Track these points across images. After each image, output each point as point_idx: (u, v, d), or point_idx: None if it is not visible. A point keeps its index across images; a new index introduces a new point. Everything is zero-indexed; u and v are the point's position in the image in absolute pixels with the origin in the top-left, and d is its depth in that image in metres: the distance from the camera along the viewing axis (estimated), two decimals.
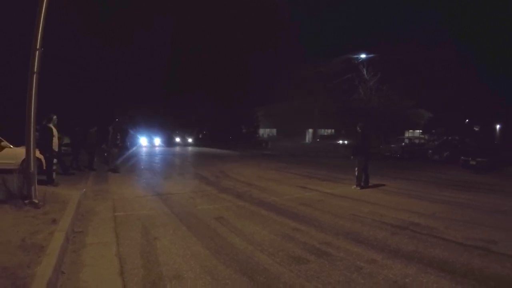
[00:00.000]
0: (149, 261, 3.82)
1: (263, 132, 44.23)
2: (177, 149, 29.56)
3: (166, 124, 35.02)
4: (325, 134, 42.33)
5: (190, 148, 31.23)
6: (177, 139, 36.10)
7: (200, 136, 40.40)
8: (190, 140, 37.27)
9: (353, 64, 30.16)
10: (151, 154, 22.51)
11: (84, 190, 7.85)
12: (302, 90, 33.15)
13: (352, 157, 9.86)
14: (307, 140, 40.86)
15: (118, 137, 12.45)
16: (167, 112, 35.20)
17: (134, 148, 23.70)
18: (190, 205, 6.95)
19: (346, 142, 32.80)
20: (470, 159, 15.77)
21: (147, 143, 31.50)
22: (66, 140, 13.08)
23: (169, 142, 33.52)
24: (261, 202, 7.43)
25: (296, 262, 3.89)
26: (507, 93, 33.52)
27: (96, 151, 12.69)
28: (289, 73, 34.11)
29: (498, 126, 34.33)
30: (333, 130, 41.36)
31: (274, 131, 44.64)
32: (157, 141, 32.78)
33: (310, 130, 41.59)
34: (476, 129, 33.21)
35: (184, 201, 7.34)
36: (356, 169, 9.65)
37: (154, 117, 32.96)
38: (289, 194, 8.58)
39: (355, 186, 9.60)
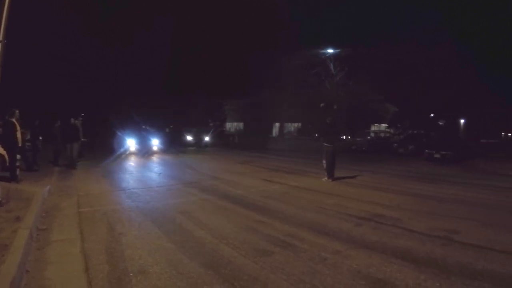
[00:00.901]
0: (114, 257, 3.72)
1: (230, 126, 43.69)
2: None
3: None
4: (292, 128, 41.98)
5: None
6: (189, 138, 25.93)
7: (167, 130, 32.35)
8: (207, 139, 26.38)
9: (321, 59, 29.90)
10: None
11: (49, 186, 7.57)
12: (271, 83, 32.83)
13: (325, 144, 9.68)
14: (274, 134, 40.56)
15: (75, 132, 11.74)
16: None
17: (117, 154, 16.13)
18: (156, 200, 6.77)
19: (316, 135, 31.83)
20: (434, 152, 16.02)
21: (139, 146, 18.22)
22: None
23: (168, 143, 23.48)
24: (227, 196, 7.28)
25: (261, 254, 3.81)
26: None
27: (60, 147, 12.13)
28: (262, 66, 34.01)
29: (462, 121, 34.46)
30: (300, 124, 41.03)
31: (241, 125, 43.71)
32: (155, 142, 19.45)
33: (277, 124, 41.05)
34: (441, 123, 32.93)
35: (150, 196, 7.14)
36: (325, 161, 9.55)
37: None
38: (255, 187, 8.42)
39: (326, 178, 9.47)
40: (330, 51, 29.31)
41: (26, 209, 5.06)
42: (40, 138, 11.25)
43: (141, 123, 20.84)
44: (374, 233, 4.73)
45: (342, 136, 13.35)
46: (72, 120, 12.03)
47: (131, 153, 17.17)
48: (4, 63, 5.67)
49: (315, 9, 40.65)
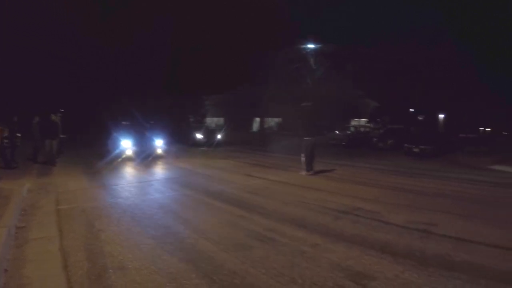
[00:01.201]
0: (94, 254, 3.67)
1: (211, 121, 43.57)
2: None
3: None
4: (273, 123, 41.67)
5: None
6: (199, 136, 20.76)
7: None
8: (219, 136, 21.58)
9: (303, 54, 29.40)
10: None
11: (28, 184, 7.41)
12: (252, 78, 32.57)
13: (304, 138, 9.61)
14: (254, 129, 40.26)
15: (54, 129, 11.31)
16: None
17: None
18: (135, 196, 6.67)
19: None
20: (413, 146, 15.97)
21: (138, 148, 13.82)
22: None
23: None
24: (207, 191, 7.18)
25: (241, 249, 3.81)
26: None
27: (40, 143, 11.62)
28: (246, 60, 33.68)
29: (442, 116, 34.14)
30: (280, 119, 40.82)
31: (221, 120, 43.85)
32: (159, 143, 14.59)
33: (258, 119, 40.70)
34: (420, 118, 32.82)
35: (129, 192, 7.04)
36: (303, 155, 9.50)
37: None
38: (235, 182, 8.34)
39: (305, 172, 9.40)
40: (311, 46, 29.39)
41: (4, 207, 5.00)
42: (19, 135, 10.93)
43: (141, 120, 16.68)
44: (353, 226, 4.74)
45: (321, 130, 13.09)
46: (53, 116, 11.66)
47: (126, 158, 12.54)
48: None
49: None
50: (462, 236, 4.38)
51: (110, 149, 13.35)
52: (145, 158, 12.77)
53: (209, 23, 37.06)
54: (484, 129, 43.54)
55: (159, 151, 13.88)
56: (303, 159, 9.57)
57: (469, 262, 3.55)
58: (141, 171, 10.20)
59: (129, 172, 10.20)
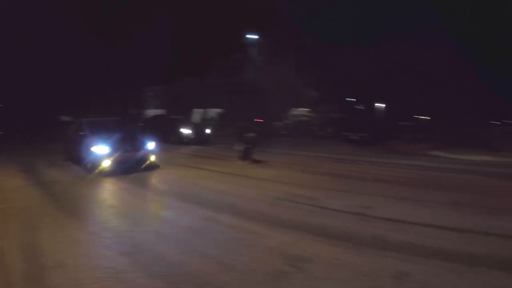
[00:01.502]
0: (32, 253, 3.59)
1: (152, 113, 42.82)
2: None
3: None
4: (215, 114, 41.00)
5: None
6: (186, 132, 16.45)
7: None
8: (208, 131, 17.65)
9: (244, 44, 29.63)
10: None
11: None
12: (194, 69, 32.27)
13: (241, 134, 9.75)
14: (194, 120, 39.79)
15: None
16: None
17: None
18: (72, 192, 6.41)
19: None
20: (352, 134, 16.28)
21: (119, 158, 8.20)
22: None
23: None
24: (145, 183, 7.09)
25: (179, 239, 3.87)
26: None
27: None
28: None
29: (383, 105, 34.72)
30: (222, 110, 40.28)
31: (162, 112, 43.06)
32: (151, 145, 9.11)
33: (202, 110, 39.97)
34: (360, 107, 33.25)
35: (66, 188, 6.77)
36: (242, 145, 9.67)
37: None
38: (175, 173, 8.16)
39: (241, 162, 9.49)
40: (251, 36, 29.47)
41: None
42: None
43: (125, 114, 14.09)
44: (290, 212, 4.83)
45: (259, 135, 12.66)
46: None
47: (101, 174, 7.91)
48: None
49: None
50: (396, 217, 4.52)
51: (74, 156, 9.25)
52: (129, 168, 8.18)
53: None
54: (423, 118, 43.19)
55: (152, 158, 8.93)
56: (241, 148, 9.70)
57: (403, 241, 3.69)
58: (77, 167, 8.85)
59: (63, 169, 8.94)
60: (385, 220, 4.41)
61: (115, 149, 8.09)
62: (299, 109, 37.32)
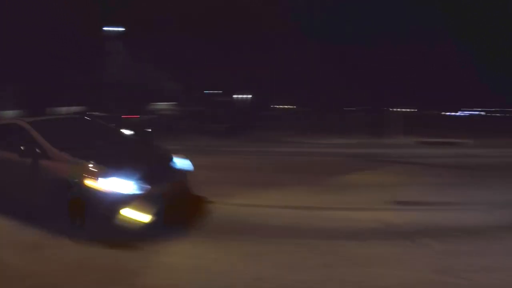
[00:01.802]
0: None
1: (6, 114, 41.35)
2: None
3: None
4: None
5: None
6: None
7: None
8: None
9: (106, 37, 29.46)
10: None
11: None
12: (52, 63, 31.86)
13: None
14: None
15: None
16: None
17: None
18: None
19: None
20: (213, 126, 17.26)
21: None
22: None
23: None
24: None
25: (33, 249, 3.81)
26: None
27: None
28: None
29: (249, 97, 35.66)
30: (84, 107, 39.53)
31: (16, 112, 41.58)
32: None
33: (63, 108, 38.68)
34: (224, 99, 34.22)
35: None
36: None
37: None
38: None
39: None
40: (109, 29, 28.97)
41: None
42: None
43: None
44: None
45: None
46: None
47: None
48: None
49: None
50: (256, 202, 4.92)
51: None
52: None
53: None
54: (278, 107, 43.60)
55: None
56: None
57: (261, 225, 4.11)
58: None
59: None
60: (247, 206, 4.85)
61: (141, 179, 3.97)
62: (161, 103, 37.10)
